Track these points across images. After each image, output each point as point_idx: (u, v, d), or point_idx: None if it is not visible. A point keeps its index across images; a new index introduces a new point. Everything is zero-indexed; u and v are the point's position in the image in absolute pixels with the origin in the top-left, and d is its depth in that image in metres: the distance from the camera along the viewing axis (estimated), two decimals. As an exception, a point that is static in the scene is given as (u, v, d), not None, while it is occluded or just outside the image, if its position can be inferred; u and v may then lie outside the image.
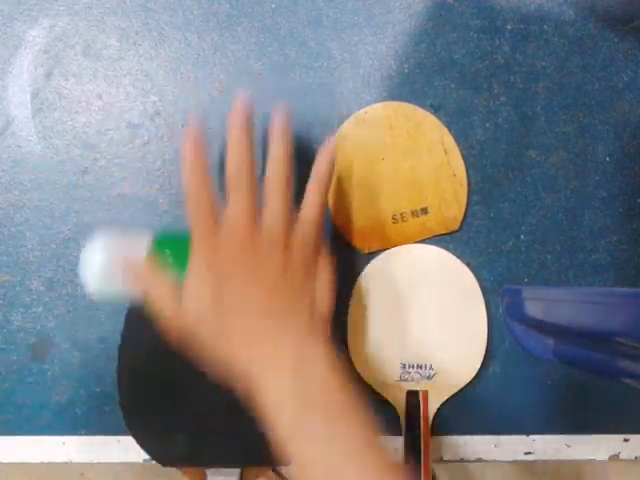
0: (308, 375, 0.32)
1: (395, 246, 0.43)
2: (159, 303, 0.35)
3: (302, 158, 0.43)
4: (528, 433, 0.44)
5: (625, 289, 0.33)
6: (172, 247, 0.36)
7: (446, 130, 0.43)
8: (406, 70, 0.44)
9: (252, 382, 0.32)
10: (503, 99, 0.44)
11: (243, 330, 0.33)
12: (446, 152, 0.43)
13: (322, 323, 0.36)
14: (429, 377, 0.43)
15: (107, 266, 0.36)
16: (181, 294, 0.34)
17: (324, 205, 0.37)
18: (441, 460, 0.44)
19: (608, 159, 0.44)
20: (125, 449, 0.42)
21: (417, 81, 0.44)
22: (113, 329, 0.42)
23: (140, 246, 0.36)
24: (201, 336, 0.34)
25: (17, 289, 0.42)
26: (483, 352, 0.43)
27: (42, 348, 0.43)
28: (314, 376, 0.32)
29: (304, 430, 0.31)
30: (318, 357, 0.32)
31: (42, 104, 0.43)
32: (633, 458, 0.45)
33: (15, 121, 0.43)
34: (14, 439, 0.43)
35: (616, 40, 0.45)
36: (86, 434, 0.43)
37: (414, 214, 0.43)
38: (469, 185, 0.44)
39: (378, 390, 0.43)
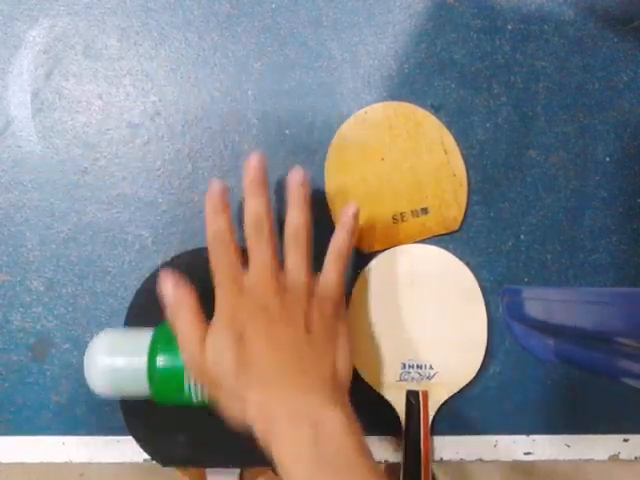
0: (326, 437, 0.31)
1: (395, 246, 0.43)
2: (184, 343, 0.35)
3: (302, 158, 0.43)
4: (528, 433, 0.44)
5: (625, 289, 0.33)
6: (171, 339, 0.36)
7: (446, 130, 0.43)
8: (406, 70, 0.44)
9: (269, 435, 0.32)
10: (503, 99, 0.44)
11: (263, 388, 0.33)
12: (446, 152, 0.43)
13: (342, 386, 0.35)
14: (429, 377, 0.43)
15: (111, 366, 0.36)
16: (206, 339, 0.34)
17: (344, 274, 0.37)
18: (441, 460, 0.44)
19: (608, 159, 0.45)
20: (125, 449, 0.42)
21: (417, 81, 0.44)
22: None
23: (143, 341, 0.37)
24: (221, 388, 0.34)
25: (17, 289, 0.42)
26: (483, 352, 0.43)
27: (42, 348, 0.43)
28: (332, 438, 0.31)
29: None
30: (337, 420, 0.32)
31: (42, 104, 0.43)
32: (633, 458, 0.45)
33: (15, 121, 0.43)
34: (14, 439, 0.43)
35: (616, 40, 0.45)
36: (86, 434, 0.43)
37: (414, 214, 0.43)
38: (469, 185, 0.44)
39: (378, 390, 0.43)
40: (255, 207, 0.36)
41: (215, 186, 0.37)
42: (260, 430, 0.32)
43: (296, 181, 0.37)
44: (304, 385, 0.33)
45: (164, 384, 0.36)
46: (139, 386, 0.36)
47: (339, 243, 0.37)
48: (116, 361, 0.36)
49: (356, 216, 0.38)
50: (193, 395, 0.37)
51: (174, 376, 0.36)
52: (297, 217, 0.36)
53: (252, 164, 0.37)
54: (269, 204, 0.36)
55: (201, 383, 0.35)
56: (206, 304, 0.42)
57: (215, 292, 0.35)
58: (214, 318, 0.35)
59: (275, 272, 0.35)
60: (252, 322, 0.34)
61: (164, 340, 0.37)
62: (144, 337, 0.37)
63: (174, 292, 0.35)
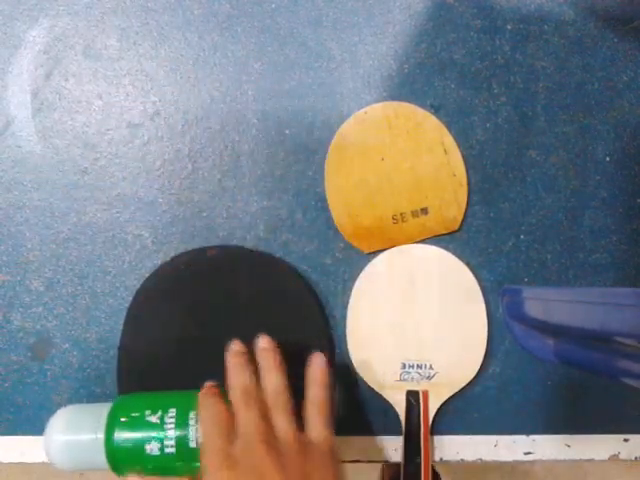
0: None
1: (395, 246, 0.43)
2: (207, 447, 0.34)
3: (302, 158, 0.43)
4: (528, 433, 0.44)
5: (625, 289, 0.33)
6: (127, 412, 0.37)
7: (446, 130, 0.43)
8: (406, 70, 0.44)
9: None
10: (503, 99, 0.44)
11: None
12: (446, 152, 0.43)
13: None
14: (429, 377, 0.43)
15: (70, 442, 0.36)
16: None
17: (329, 424, 0.37)
18: (441, 460, 0.44)
19: (608, 159, 0.44)
20: (125, 449, 0.42)
21: (417, 81, 0.44)
22: (113, 329, 0.42)
23: (101, 416, 0.36)
24: None
25: (17, 289, 0.42)
26: (483, 352, 0.43)
27: (42, 348, 0.43)
28: None
29: None
30: None
31: (42, 104, 0.43)
32: (633, 458, 0.45)
33: (15, 121, 0.43)
34: (14, 439, 0.43)
35: (616, 40, 0.45)
36: (86, 434, 0.43)
37: (414, 214, 0.43)
38: (469, 185, 0.44)
39: (378, 390, 0.43)
40: (241, 379, 0.36)
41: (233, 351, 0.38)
42: None
43: (265, 348, 0.38)
44: None
45: (122, 460, 0.36)
46: (98, 461, 0.36)
47: (315, 400, 0.37)
48: (73, 439, 0.36)
49: (325, 370, 0.38)
50: (152, 469, 0.37)
51: (132, 451, 0.36)
52: (275, 380, 0.36)
53: (234, 350, 0.38)
54: (255, 376, 0.37)
55: None
56: (206, 304, 0.42)
57: (203, 466, 0.34)
58: None
59: (266, 436, 0.34)
60: None
61: (121, 414, 0.37)
62: (102, 413, 0.37)
63: (209, 406, 0.36)
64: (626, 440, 0.45)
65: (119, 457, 0.36)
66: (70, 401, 0.42)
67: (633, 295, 0.30)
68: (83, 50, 0.43)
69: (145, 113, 0.43)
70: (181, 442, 0.35)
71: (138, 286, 0.42)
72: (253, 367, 0.37)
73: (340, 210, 0.43)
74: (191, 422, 0.36)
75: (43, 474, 1.01)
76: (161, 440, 0.35)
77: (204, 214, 0.43)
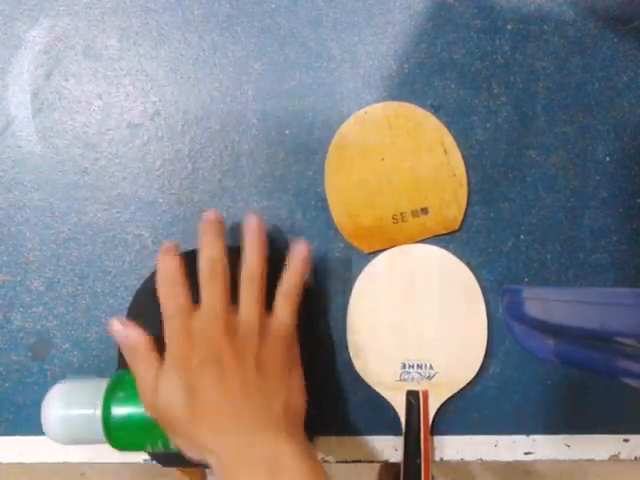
0: (282, 469, 0.32)
1: (395, 246, 0.43)
2: (139, 383, 0.35)
3: (302, 158, 0.43)
4: (528, 433, 0.44)
5: (625, 289, 0.33)
6: (126, 388, 0.37)
7: (446, 130, 0.43)
8: (406, 70, 0.44)
9: (225, 472, 0.33)
10: (503, 99, 0.44)
11: (216, 434, 0.33)
12: (446, 152, 0.43)
13: (296, 420, 0.36)
14: (429, 377, 0.43)
15: (66, 417, 0.37)
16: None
17: (295, 313, 0.37)
18: (441, 460, 0.44)
19: (608, 159, 0.44)
20: (125, 449, 0.42)
21: (417, 81, 0.44)
22: (113, 329, 0.42)
23: (98, 392, 0.37)
24: (175, 431, 0.34)
25: (17, 289, 0.42)
26: (483, 352, 0.43)
27: (42, 348, 0.43)
28: (288, 470, 0.32)
29: None
30: (291, 452, 0.32)
31: (42, 104, 0.43)
32: (633, 458, 0.45)
33: (15, 121, 0.43)
34: (14, 439, 0.43)
35: (616, 40, 0.45)
36: (86, 434, 0.43)
37: (414, 214, 0.43)
38: (469, 185, 0.44)
39: (378, 390, 0.43)
40: (210, 252, 0.36)
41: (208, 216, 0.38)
42: (218, 472, 0.33)
43: (252, 226, 0.37)
44: (256, 425, 0.34)
45: (120, 433, 0.37)
46: (95, 436, 0.37)
47: (289, 285, 0.37)
48: (70, 413, 0.37)
49: (306, 258, 0.37)
50: (150, 444, 0.37)
51: (130, 426, 0.37)
52: (254, 261, 0.36)
53: (210, 217, 0.37)
54: (225, 250, 0.37)
55: (158, 423, 0.35)
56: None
57: (164, 329, 0.35)
58: (165, 359, 0.35)
59: (225, 313, 0.35)
60: (202, 369, 0.34)
61: (119, 389, 0.37)
62: (99, 387, 0.37)
63: (126, 333, 0.36)
64: (626, 440, 0.45)
65: (117, 432, 0.37)
66: (70, 401, 0.42)
67: (633, 295, 0.30)
68: (83, 50, 0.43)
69: (145, 113, 0.43)
70: None
71: (138, 286, 0.42)
72: (223, 242, 0.37)
73: (340, 210, 0.43)
74: None
75: (43, 474, 1.01)
76: (158, 428, 0.35)
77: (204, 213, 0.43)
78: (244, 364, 0.34)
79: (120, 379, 0.38)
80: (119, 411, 0.37)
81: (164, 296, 0.36)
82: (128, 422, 0.37)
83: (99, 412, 0.36)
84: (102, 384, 0.38)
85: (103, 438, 0.37)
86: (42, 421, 0.37)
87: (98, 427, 0.36)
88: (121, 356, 0.42)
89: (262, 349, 0.35)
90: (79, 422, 0.37)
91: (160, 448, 0.37)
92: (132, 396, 0.36)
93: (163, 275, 0.36)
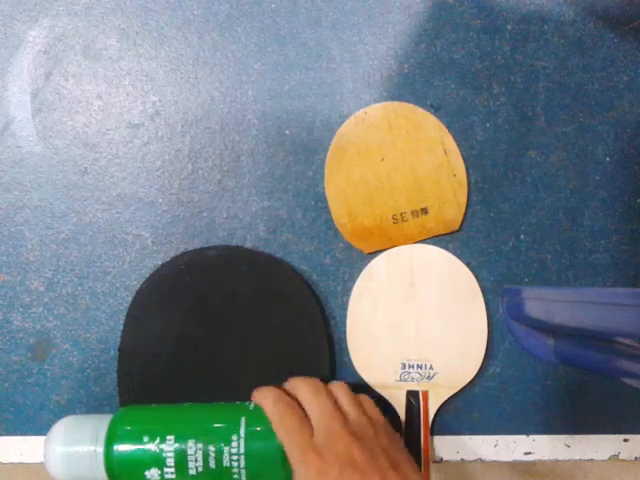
0: None
1: (395, 246, 0.43)
2: (293, 445, 0.35)
3: (302, 158, 0.43)
4: (528, 433, 0.44)
5: (625, 289, 0.33)
6: (130, 421, 0.36)
7: (446, 130, 0.43)
8: (406, 70, 0.44)
9: None
10: (503, 99, 0.44)
11: None
12: (446, 152, 0.43)
13: None
14: (429, 377, 0.43)
15: (68, 454, 0.35)
16: None
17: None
18: (441, 460, 0.44)
19: (608, 159, 0.44)
20: (125, 449, 0.42)
21: (417, 81, 0.44)
22: (113, 329, 0.42)
23: (101, 429, 0.36)
24: None
25: (17, 289, 0.42)
26: (483, 352, 0.43)
27: (42, 348, 0.43)
28: None
29: None
30: None
31: (42, 104, 0.43)
32: (633, 458, 0.45)
33: (15, 121, 0.43)
34: (14, 439, 0.43)
35: (616, 40, 0.45)
36: (86, 434, 0.43)
37: (414, 214, 0.43)
38: (469, 185, 0.44)
39: (378, 390, 0.43)
40: (306, 386, 0.37)
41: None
42: None
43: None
44: None
45: (122, 470, 0.35)
46: (97, 473, 0.35)
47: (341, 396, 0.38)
48: (72, 450, 0.35)
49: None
50: None
51: (133, 463, 0.35)
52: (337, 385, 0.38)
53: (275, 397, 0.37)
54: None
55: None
56: (206, 304, 0.42)
57: (291, 462, 0.34)
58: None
59: (344, 422, 0.35)
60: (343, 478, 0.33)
61: (121, 425, 0.36)
62: (101, 426, 0.36)
63: (278, 403, 0.36)
64: (626, 440, 0.45)
65: (119, 469, 0.35)
66: (70, 401, 0.42)
67: (633, 295, 0.30)
68: (83, 50, 0.43)
69: (145, 113, 0.43)
70: (181, 470, 0.35)
71: (138, 286, 0.42)
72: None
73: (340, 210, 0.43)
74: (190, 451, 0.35)
75: (43, 474, 1.01)
76: (160, 467, 0.35)
77: (204, 214, 0.43)
78: (379, 466, 0.34)
79: (123, 415, 0.37)
80: (122, 448, 0.35)
81: (288, 435, 0.35)
82: (130, 459, 0.35)
83: (101, 450, 0.35)
84: (105, 420, 0.36)
85: (104, 476, 0.36)
86: (44, 458, 0.36)
87: (100, 464, 0.35)
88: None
89: (383, 443, 0.35)
90: (81, 459, 0.35)
91: None
92: (133, 443, 0.35)
93: (283, 416, 0.36)
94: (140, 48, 0.43)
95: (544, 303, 0.39)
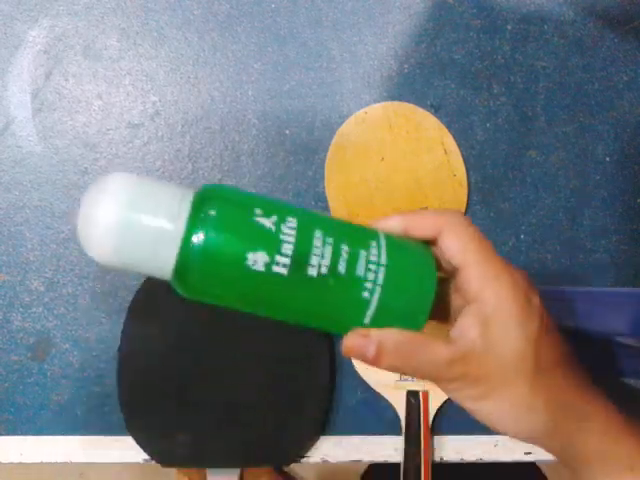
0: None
1: (395, 246, 0.43)
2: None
3: (302, 158, 0.43)
4: (528, 433, 0.44)
5: (625, 289, 0.33)
6: (224, 203, 0.25)
7: (446, 130, 0.43)
8: (406, 70, 0.44)
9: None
10: (503, 99, 0.44)
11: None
12: (446, 152, 0.43)
13: None
14: (429, 377, 0.43)
15: (128, 223, 0.23)
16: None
17: None
18: (441, 460, 0.44)
19: (608, 159, 0.44)
20: (125, 449, 0.42)
21: (417, 81, 0.44)
22: (113, 329, 0.42)
23: (183, 200, 0.25)
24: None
25: (17, 289, 0.42)
26: (483, 352, 0.43)
27: (42, 348, 0.43)
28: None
29: None
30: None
31: (42, 104, 0.43)
32: (633, 458, 0.45)
33: (15, 121, 0.43)
34: (14, 439, 0.43)
35: (616, 40, 0.45)
36: (86, 434, 0.43)
37: (414, 214, 0.43)
38: (469, 185, 0.44)
39: (378, 390, 0.43)
40: None
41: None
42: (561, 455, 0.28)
43: None
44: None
45: (204, 266, 0.23)
46: (160, 263, 0.24)
47: None
48: (136, 218, 0.23)
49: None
50: (241, 293, 0.25)
51: (230, 241, 0.23)
52: None
53: None
54: None
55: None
56: (204, 306, 0.42)
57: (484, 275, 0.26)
58: None
59: None
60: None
61: (215, 204, 0.25)
62: (184, 195, 0.25)
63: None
64: (626, 440, 0.45)
65: (199, 264, 0.23)
66: (70, 401, 0.42)
67: (633, 295, 0.30)
68: (83, 50, 0.43)
69: (145, 113, 0.43)
70: (298, 266, 0.24)
71: (138, 286, 0.42)
72: None
73: (340, 210, 0.43)
74: (317, 243, 0.24)
75: (43, 474, 1.01)
76: (272, 253, 0.23)
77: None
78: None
79: (216, 191, 0.26)
80: (213, 233, 0.23)
81: None
82: (229, 232, 0.24)
83: (181, 227, 0.23)
84: (187, 193, 0.25)
85: (169, 269, 0.24)
86: (83, 221, 0.24)
87: (172, 248, 0.23)
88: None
89: None
90: (145, 235, 0.23)
91: (244, 308, 0.26)
92: (236, 216, 0.24)
93: None
94: (140, 48, 0.43)
95: (544, 303, 0.39)
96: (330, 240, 0.24)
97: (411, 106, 0.43)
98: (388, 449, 0.44)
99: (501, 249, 0.44)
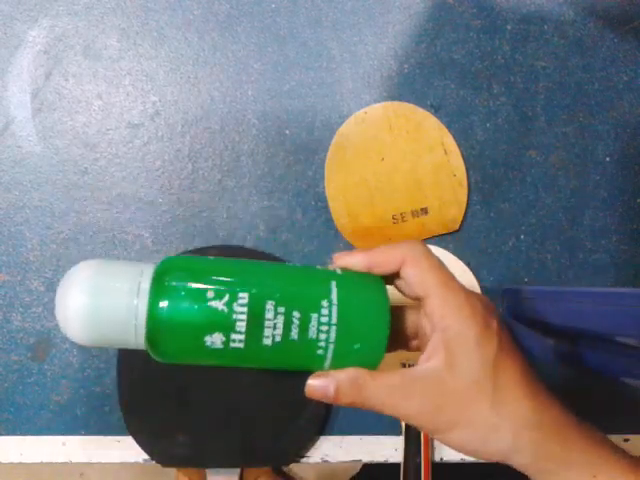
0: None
1: (395, 246, 0.43)
2: None
3: (302, 158, 0.43)
4: (528, 433, 0.44)
5: (625, 289, 0.33)
6: (184, 269, 0.27)
7: (446, 130, 0.43)
8: (406, 70, 0.44)
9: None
10: (503, 99, 0.44)
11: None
12: (446, 152, 0.43)
13: None
14: (429, 377, 0.43)
15: (95, 307, 0.25)
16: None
17: None
18: (441, 460, 0.44)
19: (608, 159, 0.44)
20: (125, 449, 0.42)
21: (417, 81, 0.44)
22: (113, 329, 0.42)
23: (144, 276, 0.26)
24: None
25: (17, 289, 0.42)
26: (483, 352, 0.43)
27: (42, 348, 0.43)
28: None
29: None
30: None
31: (42, 104, 0.43)
32: (633, 458, 0.45)
33: (15, 121, 0.43)
34: (14, 439, 0.43)
35: (616, 40, 0.45)
36: (86, 434, 0.43)
37: (414, 214, 0.43)
38: (469, 185, 0.44)
39: (378, 390, 0.43)
40: None
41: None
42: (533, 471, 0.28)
43: None
44: None
45: (172, 335, 0.26)
46: (131, 338, 0.26)
47: None
48: (102, 303, 0.25)
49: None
50: (204, 355, 0.27)
51: (188, 326, 0.26)
52: None
53: None
54: None
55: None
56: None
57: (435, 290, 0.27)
58: None
59: None
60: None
61: (175, 275, 0.26)
62: (144, 272, 0.26)
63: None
64: (626, 440, 0.45)
65: (165, 338, 0.26)
66: (70, 401, 0.42)
67: (633, 295, 0.30)
68: (83, 50, 0.43)
69: (145, 113, 0.43)
70: (252, 339, 0.26)
71: (138, 286, 0.42)
72: None
73: (340, 210, 0.43)
74: (268, 315, 0.26)
75: (43, 474, 1.01)
76: (227, 332, 0.25)
77: (204, 214, 0.43)
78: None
79: (173, 263, 0.27)
80: (173, 304, 0.25)
81: None
82: (185, 319, 0.25)
83: (144, 303, 0.25)
84: (147, 269, 0.26)
85: (141, 340, 0.26)
86: (59, 311, 0.26)
87: (140, 323, 0.25)
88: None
89: None
90: (113, 314, 0.25)
91: (214, 362, 0.27)
92: (191, 299, 0.26)
93: None
94: (140, 48, 0.43)
95: (544, 303, 0.39)
96: (282, 309, 0.26)
97: (411, 106, 0.43)
98: (388, 449, 0.44)
99: (501, 249, 0.44)
